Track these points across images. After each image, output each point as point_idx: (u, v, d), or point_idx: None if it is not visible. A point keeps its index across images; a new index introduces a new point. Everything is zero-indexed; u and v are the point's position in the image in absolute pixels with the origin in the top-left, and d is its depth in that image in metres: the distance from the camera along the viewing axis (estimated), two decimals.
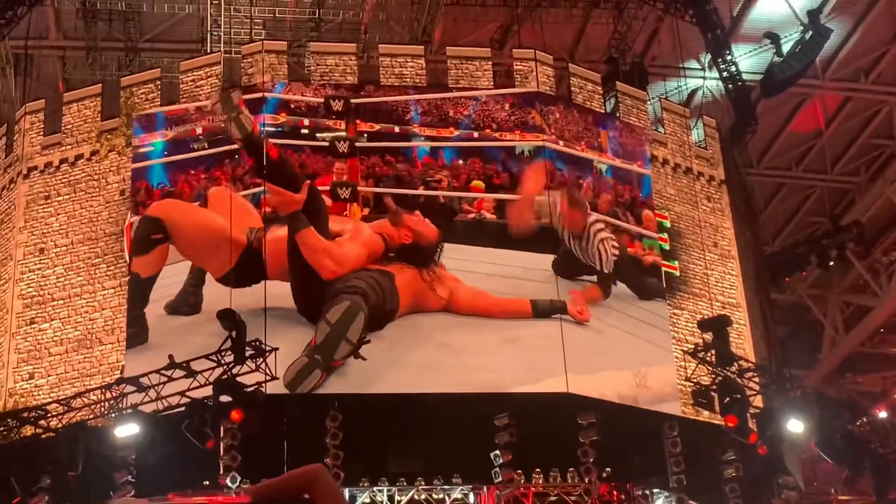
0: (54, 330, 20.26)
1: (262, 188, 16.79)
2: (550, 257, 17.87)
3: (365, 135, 17.43)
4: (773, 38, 25.60)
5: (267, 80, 20.54)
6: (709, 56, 26.80)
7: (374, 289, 16.51)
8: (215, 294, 16.57)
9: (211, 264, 16.61)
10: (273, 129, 17.82)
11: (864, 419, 19.58)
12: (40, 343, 20.26)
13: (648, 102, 23.93)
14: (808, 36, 25.35)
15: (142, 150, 18.17)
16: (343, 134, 17.39)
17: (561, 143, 18.49)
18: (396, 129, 17.55)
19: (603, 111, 22.11)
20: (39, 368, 20.07)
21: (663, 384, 19.01)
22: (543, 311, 17.28)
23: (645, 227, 19.20)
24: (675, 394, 19.70)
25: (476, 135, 17.68)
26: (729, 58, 25.73)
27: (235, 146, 17.46)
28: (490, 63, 22.01)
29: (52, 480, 15.76)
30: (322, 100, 17.51)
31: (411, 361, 16.57)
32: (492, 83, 21.68)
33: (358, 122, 17.54)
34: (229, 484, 17.83)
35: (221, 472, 17.91)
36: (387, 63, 21.46)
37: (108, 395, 16.53)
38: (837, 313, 34.03)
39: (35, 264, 20.93)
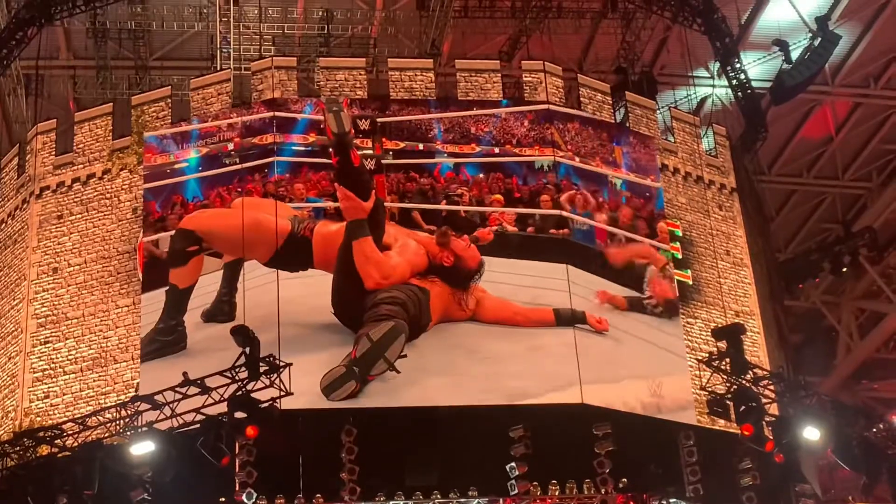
0: (69, 349, 20.31)
1: (291, 200, 17.67)
2: (570, 267, 18.38)
3: (390, 152, 18.19)
4: (782, 45, 25.58)
5: (278, 96, 20.67)
6: (718, 64, 26.79)
7: (413, 302, 17.19)
8: (248, 300, 17.16)
9: (256, 253, 17.21)
10: (303, 148, 18.43)
11: (881, 425, 19.48)
12: (55, 362, 20.32)
13: (658, 112, 23.93)
14: (816, 42, 25.33)
15: (177, 165, 18.76)
16: (370, 152, 18.05)
17: (577, 159, 19.02)
18: (420, 147, 18.36)
19: (614, 122, 22.06)
20: (54, 387, 20.12)
21: (679, 392, 19.22)
22: (566, 319, 17.79)
23: (660, 240, 19.61)
24: (690, 402, 19.67)
25: (497, 150, 18.42)
26: (738, 65, 25.71)
27: (266, 160, 18.10)
28: (499, 75, 22.03)
29: (68, 500, 15.77)
30: (351, 118, 18.07)
31: (441, 370, 17.11)
32: (501, 95, 21.72)
33: (384, 140, 18.24)
34: (245, 500, 17.85)
35: (237, 488, 17.92)
36: (396, 77, 21.50)
37: (124, 413, 16.54)
38: (852, 319, 33.94)
39: (49, 284, 21.00)
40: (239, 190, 18.33)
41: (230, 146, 18.62)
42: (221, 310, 17.89)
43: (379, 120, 18.40)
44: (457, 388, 17.13)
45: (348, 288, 17.09)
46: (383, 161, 18.14)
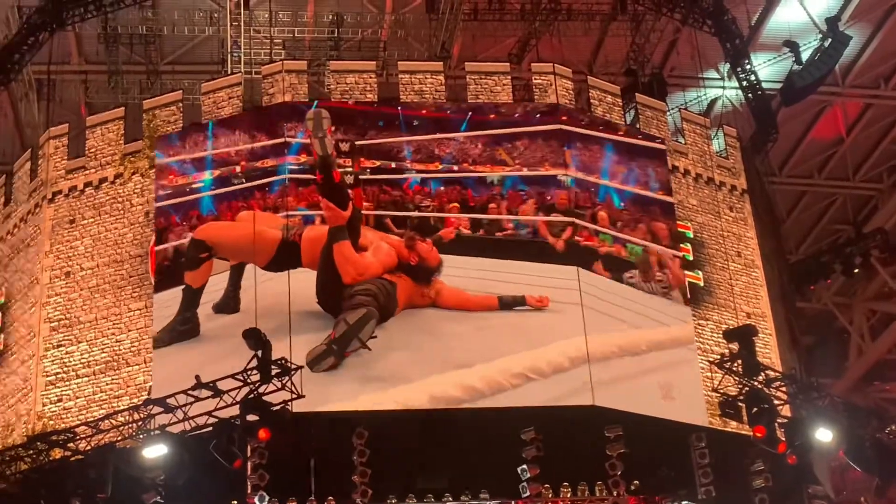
0: (81, 352, 20.39)
1: (288, 213, 20.66)
2: (516, 263, 20.98)
3: (368, 170, 21.19)
4: (792, 46, 25.56)
5: (288, 100, 20.79)
6: (728, 66, 26.79)
7: (383, 293, 20.10)
8: (251, 296, 19.85)
9: (255, 259, 20.24)
10: (296, 167, 21.00)
11: (893, 427, 19.43)
12: (68, 366, 20.39)
13: (668, 113, 23.93)
14: (827, 43, 25.31)
15: (195, 185, 21.29)
16: (350, 169, 20.98)
17: (525, 169, 21.68)
18: (393, 165, 21.40)
19: (561, 130, 22.07)
20: (67, 391, 20.19)
21: (602, 346, 20.33)
22: (507, 304, 20.49)
23: (600, 225, 21.71)
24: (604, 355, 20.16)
25: (456, 168, 21.55)
26: (748, 67, 25.71)
27: (267, 180, 20.93)
28: (509, 77, 22.10)
29: (81, 503, 15.84)
30: (333, 143, 21.08)
31: (405, 346, 19.78)
32: (511, 97, 21.77)
33: (362, 160, 21.17)
34: (257, 503, 17.90)
35: (249, 491, 17.99)
36: (406, 80, 21.60)
37: (136, 416, 16.60)
38: (863, 321, 33.85)
39: (61, 287, 21.08)
40: (243, 205, 20.96)
41: (238, 169, 21.20)
42: (228, 304, 20.20)
43: (358, 143, 21.25)
44: (416, 361, 19.57)
45: (330, 282, 19.97)
46: (361, 177, 21.02)
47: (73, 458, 16.62)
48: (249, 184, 20.93)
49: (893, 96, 29.00)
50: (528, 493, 18.77)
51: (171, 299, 20.29)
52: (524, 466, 18.80)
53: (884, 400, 33.92)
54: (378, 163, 21.17)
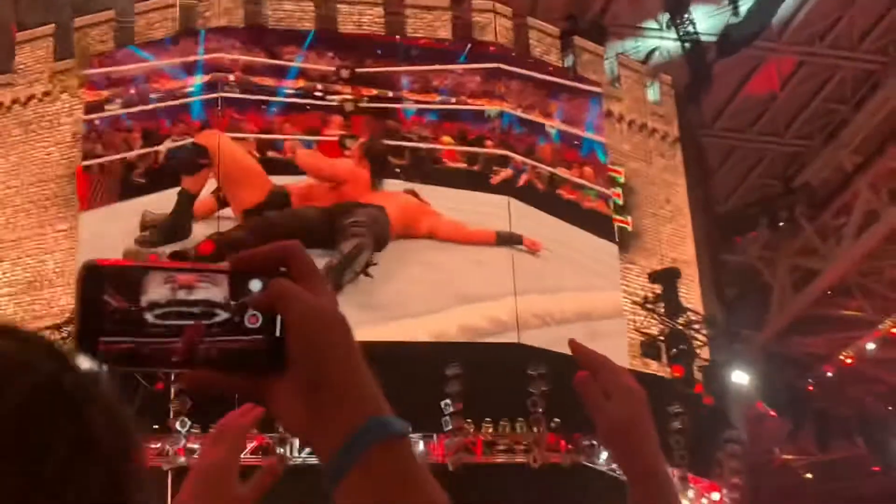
0: (3, 271, 20.08)
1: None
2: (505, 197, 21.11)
3: (366, 98, 21.00)
4: None
5: (224, 24, 20.57)
6: (667, 16, 26.84)
7: (376, 222, 20.09)
8: None
9: (236, 196, 19.53)
10: (293, 91, 20.77)
11: (809, 376, 19.89)
12: None
13: (606, 60, 23.98)
14: None
15: (185, 90, 20.72)
16: (349, 96, 20.91)
17: (519, 110, 21.63)
18: (390, 94, 21.21)
19: (551, 80, 22.17)
20: None
21: (606, 303, 20.50)
22: (504, 240, 20.54)
23: (585, 179, 21.84)
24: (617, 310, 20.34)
25: (454, 100, 21.38)
26: (687, 17, 25.79)
27: (266, 98, 20.47)
28: (449, 13, 21.98)
29: None
30: (333, 69, 20.94)
31: (400, 277, 19.99)
32: (450, 34, 21.68)
33: (360, 88, 20.99)
34: (178, 428, 17.82)
35: (171, 416, 17.88)
36: (345, 10, 21.39)
37: (57, 336, 16.43)
38: (786, 275, 34.38)
39: None
40: (238, 117, 20.36)
41: (231, 77, 20.62)
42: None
43: (357, 70, 21.03)
44: (410, 293, 19.79)
45: (317, 219, 19.64)
46: (359, 105, 20.85)
47: None
48: (245, 96, 20.36)
49: (828, 54, 29.28)
50: (450, 428, 18.90)
51: (167, 200, 19.62)
52: (447, 401, 18.92)
53: (802, 354, 34.55)
54: (375, 91, 20.92)
